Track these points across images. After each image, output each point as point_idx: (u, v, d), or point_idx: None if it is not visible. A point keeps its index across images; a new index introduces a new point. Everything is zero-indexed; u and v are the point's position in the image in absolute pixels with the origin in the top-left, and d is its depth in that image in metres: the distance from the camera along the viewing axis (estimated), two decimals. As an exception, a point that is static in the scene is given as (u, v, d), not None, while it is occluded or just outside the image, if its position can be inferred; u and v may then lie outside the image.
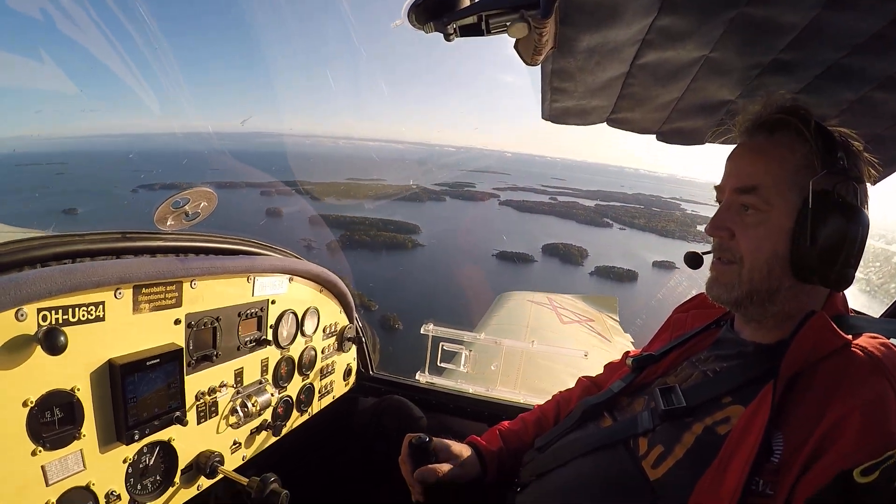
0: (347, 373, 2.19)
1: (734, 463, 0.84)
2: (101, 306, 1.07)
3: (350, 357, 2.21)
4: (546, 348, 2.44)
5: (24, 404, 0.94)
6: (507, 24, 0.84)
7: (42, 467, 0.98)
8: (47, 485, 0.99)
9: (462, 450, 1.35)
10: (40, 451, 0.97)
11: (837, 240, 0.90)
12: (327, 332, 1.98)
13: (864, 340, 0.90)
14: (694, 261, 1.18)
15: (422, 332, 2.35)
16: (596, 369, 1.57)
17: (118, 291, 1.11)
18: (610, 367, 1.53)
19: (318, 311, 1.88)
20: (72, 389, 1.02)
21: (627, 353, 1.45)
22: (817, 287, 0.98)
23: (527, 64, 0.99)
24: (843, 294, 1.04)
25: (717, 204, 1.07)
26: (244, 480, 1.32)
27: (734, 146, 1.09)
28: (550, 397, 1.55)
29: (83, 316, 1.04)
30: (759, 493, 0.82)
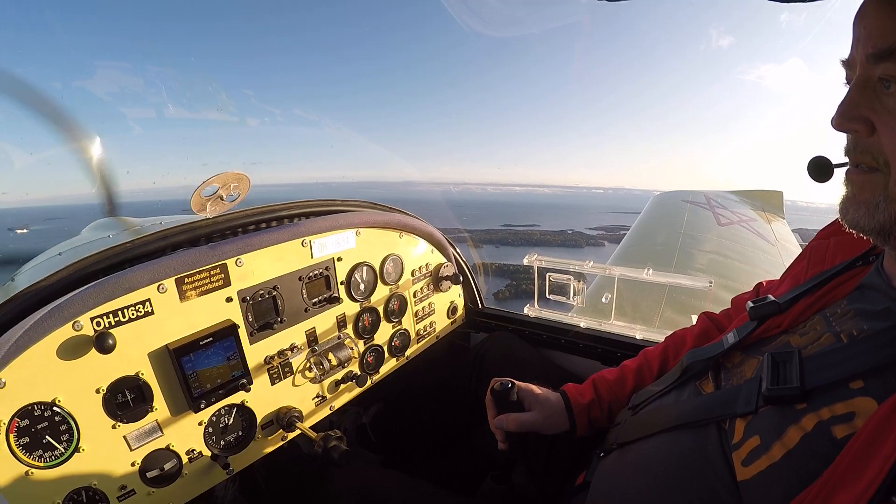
0: (453, 310, 2.13)
1: (846, 489, 0.58)
2: (147, 303, 1.17)
3: (454, 294, 2.13)
4: (664, 277, 1.99)
5: (97, 391, 1.10)
6: None
7: (124, 437, 1.16)
8: (131, 449, 1.17)
9: (550, 398, 1.27)
10: (119, 426, 1.14)
11: None
12: (416, 275, 1.91)
13: None
14: (820, 170, 0.80)
15: (524, 262, 2.11)
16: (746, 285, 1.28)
17: (160, 286, 1.18)
18: (738, 301, 1.27)
19: (400, 257, 1.80)
20: (136, 374, 1.16)
21: (760, 284, 1.24)
22: None
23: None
24: None
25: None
26: (314, 435, 1.42)
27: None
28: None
29: (132, 315, 1.15)
30: None
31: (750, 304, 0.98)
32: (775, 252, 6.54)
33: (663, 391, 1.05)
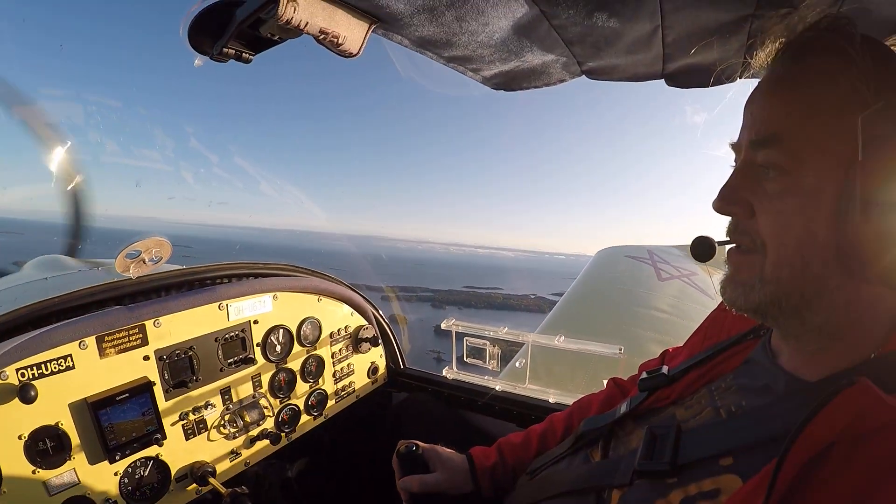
0: (373, 371, 2.29)
1: None
2: (69, 358, 1.30)
3: (375, 355, 2.30)
4: (575, 344, 2.20)
5: (20, 437, 1.21)
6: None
7: (44, 483, 1.25)
8: (50, 495, 1.26)
9: (454, 459, 1.30)
10: (39, 472, 1.23)
11: None
12: (335, 337, 2.08)
13: None
14: (704, 250, 0.84)
15: (443, 327, 2.32)
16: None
17: (82, 343, 1.32)
18: (645, 367, 1.27)
19: (318, 319, 1.99)
20: (56, 424, 1.27)
21: (667, 351, 1.26)
22: (881, 288, 0.66)
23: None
24: None
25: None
26: (223, 490, 1.50)
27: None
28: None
29: (55, 368, 1.28)
30: None
31: (644, 374, 1.04)
32: (713, 305, 6.79)
33: (558, 457, 1.08)
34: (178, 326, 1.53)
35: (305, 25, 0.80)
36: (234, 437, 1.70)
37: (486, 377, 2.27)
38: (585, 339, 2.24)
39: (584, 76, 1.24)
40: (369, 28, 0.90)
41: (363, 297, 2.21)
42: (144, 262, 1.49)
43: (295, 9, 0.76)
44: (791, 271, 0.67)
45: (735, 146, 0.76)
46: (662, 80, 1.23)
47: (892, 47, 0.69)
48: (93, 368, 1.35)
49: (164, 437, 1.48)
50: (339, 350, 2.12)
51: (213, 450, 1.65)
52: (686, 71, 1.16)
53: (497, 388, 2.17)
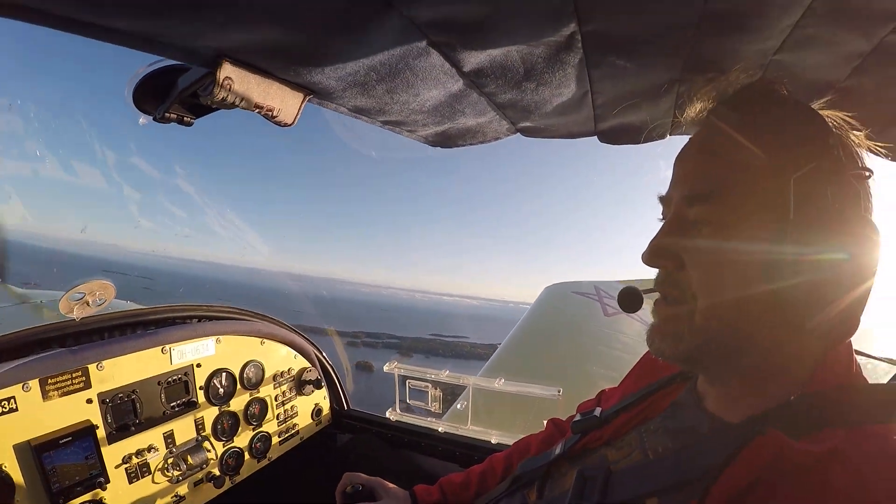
0: (317, 412, 2.36)
1: None
2: (12, 400, 1.34)
3: (319, 397, 2.39)
4: (514, 387, 2.35)
5: None
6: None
7: None
8: None
9: (399, 494, 1.34)
10: None
11: (832, 266, 0.63)
12: (278, 379, 2.17)
13: (868, 442, 0.59)
14: (630, 301, 0.87)
15: (385, 370, 2.44)
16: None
17: (25, 385, 1.37)
18: (584, 407, 1.25)
19: (261, 363, 2.08)
20: (0, 466, 1.29)
21: (603, 391, 1.27)
22: (808, 336, 0.68)
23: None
24: (849, 342, 0.72)
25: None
26: None
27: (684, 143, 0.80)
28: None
29: None
30: None
31: (579, 416, 1.07)
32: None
33: (497, 498, 1.10)
34: (121, 370, 1.59)
35: (241, 101, 0.87)
36: (178, 481, 1.73)
37: (429, 419, 2.37)
38: (527, 381, 2.36)
39: (518, 134, 1.34)
40: (304, 99, 0.95)
41: (306, 338, 2.32)
42: (88, 304, 1.58)
43: (230, 86, 0.83)
44: (722, 322, 0.68)
45: (664, 199, 0.77)
46: (595, 137, 1.32)
47: (819, 111, 0.71)
48: (36, 411, 1.38)
49: (108, 481, 1.50)
50: (283, 392, 2.19)
51: (156, 493, 1.66)
52: (618, 130, 1.24)
53: (440, 429, 2.27)
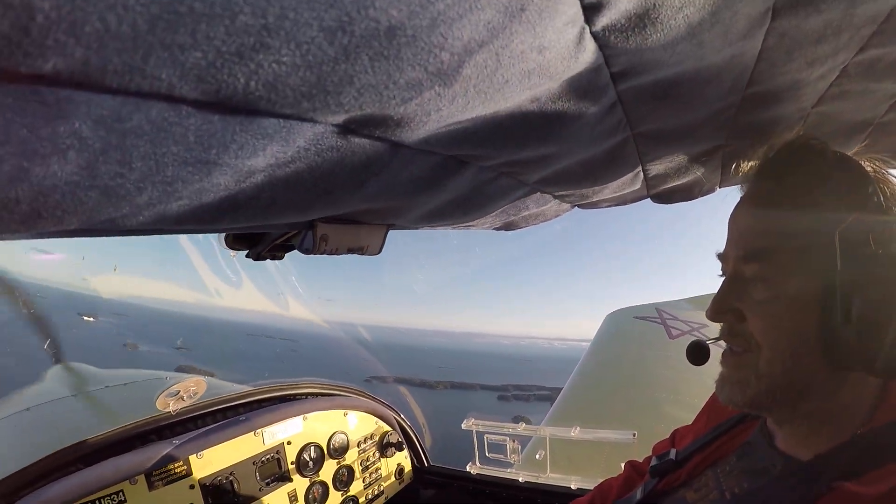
0: (400, 472, 2.38)
1: None
2: (120, 493, 1.44)
3: (401, 457, 2.40)
4: (589, 434, 2.27)
5: None
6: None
7: None
8: None
9: None
10: None
11: (882, 309, 0.65)
12: (362, 445, 2.20)
13: None
14: (699, 354, 0.93)
15: (463, 427, 2.41)
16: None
17: (133, 479, 1.47)
18: (658, 449, 1.26)
19: (345, 433, 2.12)
20: None
21: (677, 431, 1.26)
22: (863, 375, 0.71)
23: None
24: None
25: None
26: None
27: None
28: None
29: (108, 503, 1.42)
30: None
31: (655, 459, 1.09)
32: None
33: None
34: (219, 455, 1.68)
35: (335, 250, 0.92)
36: (275, 555, 1.80)
37: (508, 470, 2.35)
38: (597, 420, 2.31)
39: (575, 208, 1.43)
40: (387, 231, 1.01)
41: (385, 404, 2.35)
42: (182, 399, 1.68)
43: (327, 240, 0.88)
44: (783, 367, 0.72)
45: (722, 257, 0.82)
46: (649, 199, 1.43)
47: (861, 161, 0.74)
48: (144, 501, 1.48)
49: None
50: (367, 457, 2.22)
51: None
52: (669, 193, 1.33)
53: (520, 479, 2.24)
